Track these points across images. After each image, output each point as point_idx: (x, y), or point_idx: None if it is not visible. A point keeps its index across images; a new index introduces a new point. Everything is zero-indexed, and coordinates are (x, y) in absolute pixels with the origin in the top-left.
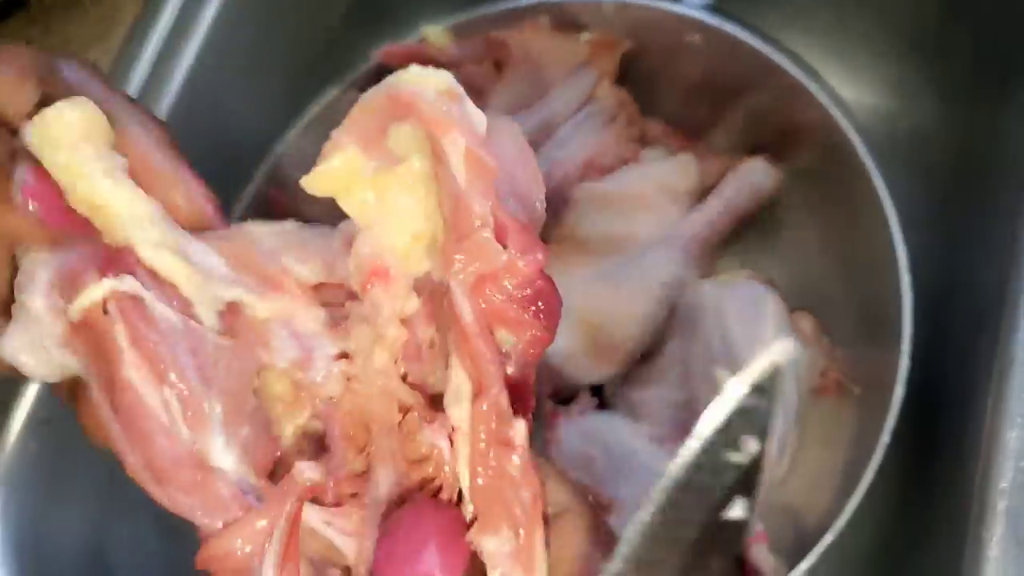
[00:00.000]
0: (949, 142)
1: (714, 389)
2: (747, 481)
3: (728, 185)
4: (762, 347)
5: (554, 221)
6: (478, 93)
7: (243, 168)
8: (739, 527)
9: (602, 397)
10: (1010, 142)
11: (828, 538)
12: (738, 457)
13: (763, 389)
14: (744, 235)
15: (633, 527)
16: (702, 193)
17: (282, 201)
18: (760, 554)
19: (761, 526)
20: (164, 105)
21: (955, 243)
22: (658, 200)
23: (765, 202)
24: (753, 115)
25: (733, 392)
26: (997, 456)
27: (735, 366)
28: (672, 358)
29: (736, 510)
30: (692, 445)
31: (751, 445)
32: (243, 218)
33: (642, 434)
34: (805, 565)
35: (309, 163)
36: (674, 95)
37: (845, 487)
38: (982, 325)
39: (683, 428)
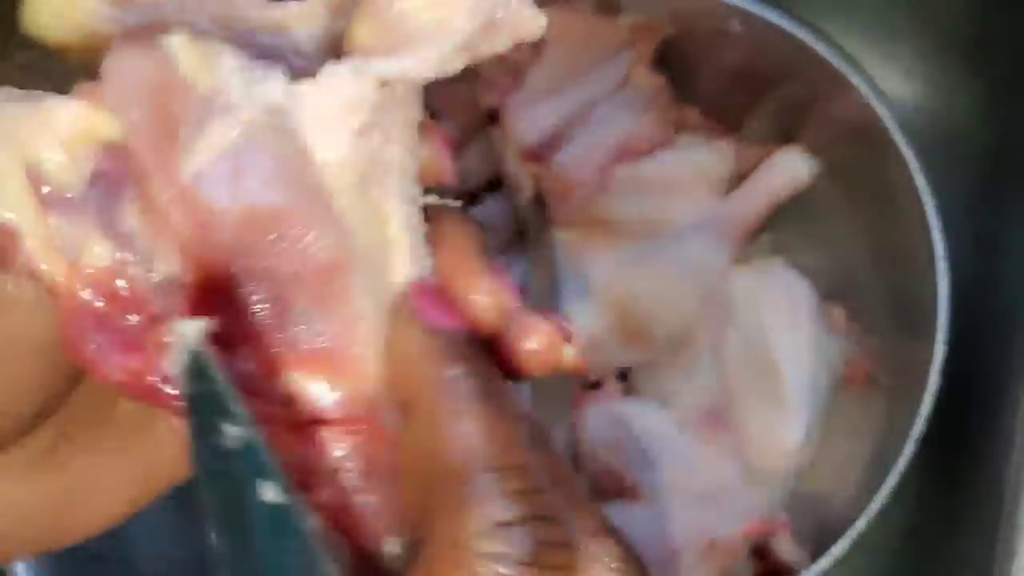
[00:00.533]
0: (987, 136)
1: (746, 378)
2: None
3: (765, 173)
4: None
5: (588, 203)
6: (516, 73)
7: None
8: None
9: (628, 383)
10: None
11: (856, 528)
12: None
13: None
14: (779, 224)
15: None
16: (738, 181)
17: None
18: (784, 546)
19: (784, 516)
20: None
21: (991, 237)
22: (694, 186)
23: (801, 192)
24: (791, 104)
25: None
26: None
27: (767, 354)
28: (703, 345)
29: None
30: None
31: None
32: None
33: (671, 421)
34: (832, 556)
35: None
36: (712, 82)
37: (872, 478)
38: (1016, 319)
39: (713, 416)
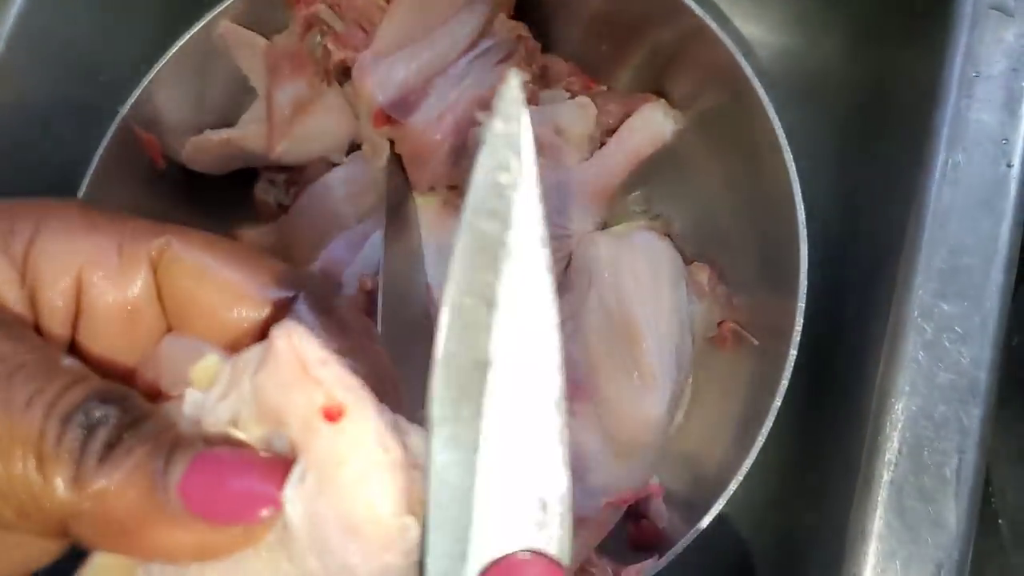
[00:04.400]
0: (854, 82)
1: (607, 348)
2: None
3: (627, 130)
4: (656, 303)
5: (448, 167)
6: (365, 27)
7: (105, 104)
8: None
9: None
10: (914, 84)
11: (727, 494)
12: (505, 177)
13: (512, 116)
14: (646, 179)
15: (451, 274)
16: (602, 135)
17: (152, 143)
18: (656, 508)
19: (657, 479)
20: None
21: (857, 187)
22: (554, 145)
23: (666, 146)
24: (657, 54)
25: (495, 128)
26: (884, 425)
27: (628, 323)
28: (564, 313)
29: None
30: (479, 175)
31: (513, 163)
32: (105, 161)
33: None
34: (708, 518)
35: (182, 99)
36: (576, 31)
37: (743, 439)
38: (880, 275)
39: (575, 387)
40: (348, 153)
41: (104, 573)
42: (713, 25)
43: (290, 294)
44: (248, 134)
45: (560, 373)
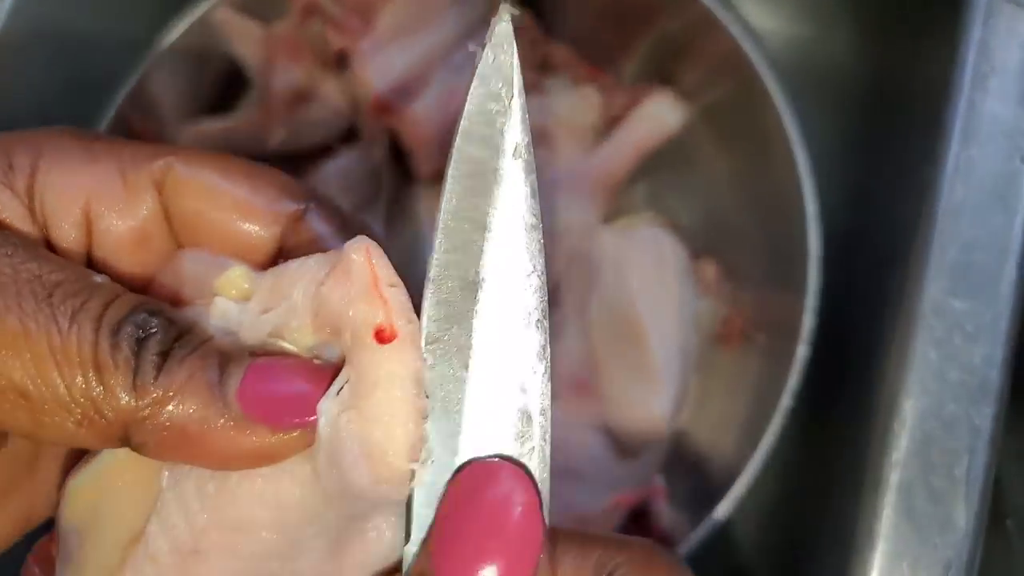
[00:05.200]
0: (866, 75)
1: (611, 344)
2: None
3: (632, 122)
4: (662, 299)
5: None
6: (366, 15)
7: (100, 91)
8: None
9: None
10: (927, 77)
11: (735, 491)
12: (495, 106)
13: (502, 48)
14: (653, 172)
15: (444, 199)
16: (607, 126)
17: (147, 131)
18: (661, 509)
19: (662, 480)
20: None
21: (868, 181)
22: (559, 136)
23: (672, 139)
24: (663, 44)
25: (486, 59)
26: (893, 424)
27: (633, 320)
28: (569, 309)
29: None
30: (471, 105)
31: (504, 92)
32: None
33: None
34: (712, 521)
35: (179, 87)
36: (581, 19)
37: (749, 439)
38: (890, 271)
39: (579, 384)
40: (347, 142)
41: (114, 468)
42: (721, 15)
43: (300, 206)
44: (245, 123)
45: (542, 294)
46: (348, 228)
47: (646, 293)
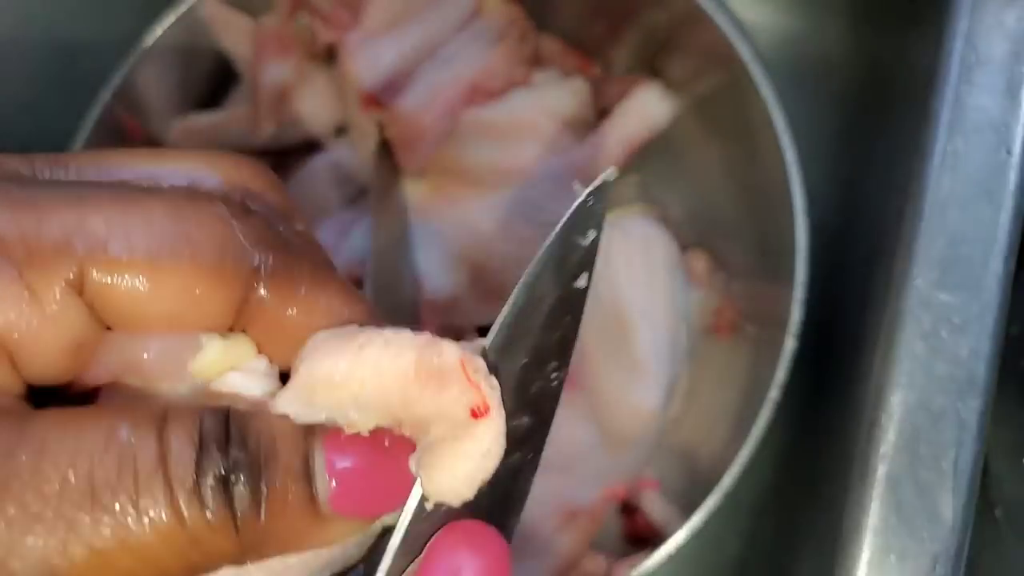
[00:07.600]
0: (853, 67)
1: (600, 337)
2: (588, 259)
3: (621, 113)
4: (651, 292)
5: (438, 151)
6: (354, 8)
7: (87, 87)
8: (583, 293)
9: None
10: (914, 68)
11: (725, 482)
12: (583, 240)
13: (599, 194)
14: (641, 163)
15: (509, 304)
16: (596, 118)
17: (135, 127)
18: (652, 502)
19: (652, 473)
20: None
21: (855, 173)
22: (548, 128)
23: (661, 130)
24: (652, 36)
25: (581, 196)
26: (880, 417)
27: (622, 313)
28: None
29: (581, 281)
30: (553, 234)
31: (591, 233)
32: (88, 146)
33: None
34: (703, 512)
35: (167, 83)
36: (570, 11)
37: (740, 430)
38: (877, 264)
39: (570, 374)
40: (335, 137)
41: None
42: (709, 7)
43: (253, 263)
44: (233, 118)
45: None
46: (288, 242)
47: (636, 285)
